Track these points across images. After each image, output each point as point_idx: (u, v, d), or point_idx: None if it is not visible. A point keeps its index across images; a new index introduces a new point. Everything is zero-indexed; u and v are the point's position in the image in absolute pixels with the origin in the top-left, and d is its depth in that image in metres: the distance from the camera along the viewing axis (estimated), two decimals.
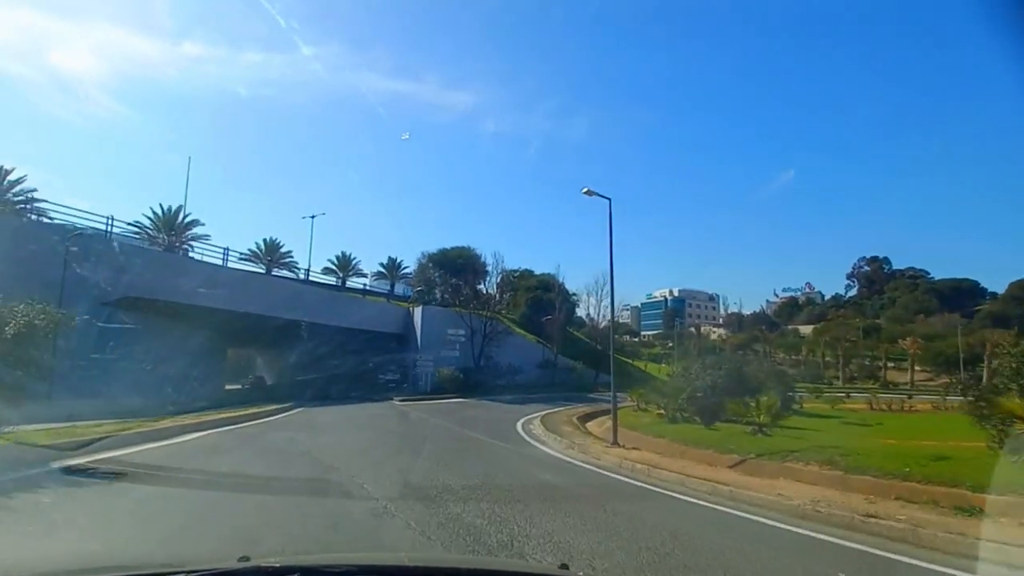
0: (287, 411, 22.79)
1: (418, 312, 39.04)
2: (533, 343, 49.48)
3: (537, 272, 59.32)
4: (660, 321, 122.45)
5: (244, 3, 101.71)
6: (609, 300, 54.59)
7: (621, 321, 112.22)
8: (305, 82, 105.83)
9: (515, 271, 59.97)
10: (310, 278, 45.53)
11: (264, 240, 48.85)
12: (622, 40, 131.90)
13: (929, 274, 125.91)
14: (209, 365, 30.21)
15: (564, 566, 1.87)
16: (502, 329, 43.01)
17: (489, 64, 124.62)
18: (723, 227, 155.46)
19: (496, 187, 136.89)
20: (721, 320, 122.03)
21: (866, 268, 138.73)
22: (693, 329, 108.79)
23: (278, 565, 1.60)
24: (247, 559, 1.63)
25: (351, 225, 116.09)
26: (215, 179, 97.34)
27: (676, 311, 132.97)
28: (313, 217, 50.18)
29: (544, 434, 17.45)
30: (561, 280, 53.81)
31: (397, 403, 28.65)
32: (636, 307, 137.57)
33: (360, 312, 36.86)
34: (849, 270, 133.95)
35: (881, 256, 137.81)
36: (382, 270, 57.35)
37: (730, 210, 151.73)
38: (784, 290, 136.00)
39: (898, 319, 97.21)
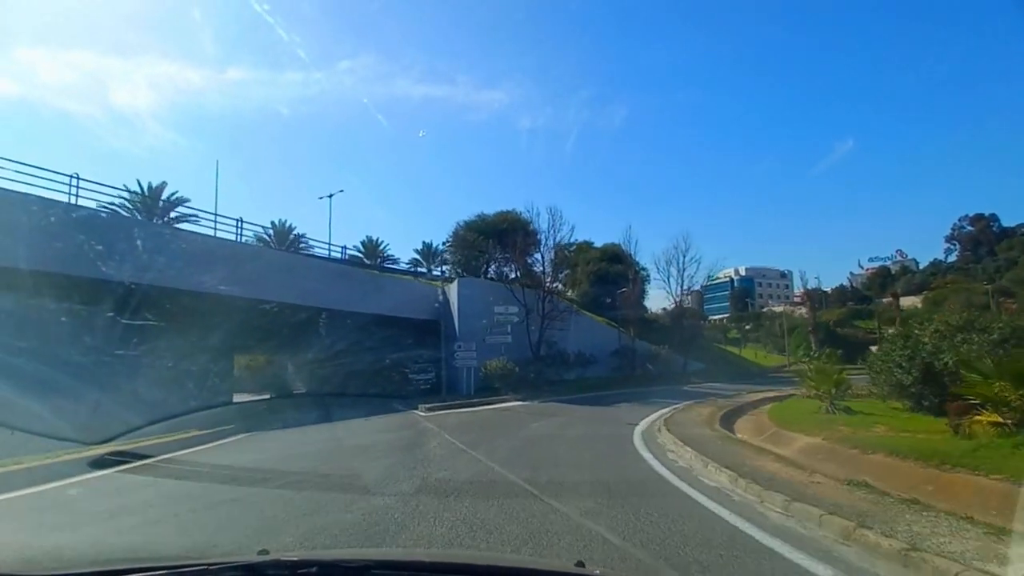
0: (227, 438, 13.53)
1: (453, 289, 29.15)
2: (604, 326, 38.79)
3: (597, 244, 48.53)
4: (727, 304, 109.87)
5: (283, 27, 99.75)
6: (692, 268, 44.58)
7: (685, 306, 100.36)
8: (342, 96, 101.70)
9: (570, 244, 49.48)
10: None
11: (274, 222, 40.56)
12: (655, 21, 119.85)
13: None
14: (210, 369, 21.60)
15: (580, 563, 1.67)
16: (565, 308, 32.60)
17: (520, 60, 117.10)
18: (789, 200, 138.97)
19: (538, 178, 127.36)
20: (798, 298, 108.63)
21: (969, 228, 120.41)
22: (768, 309, 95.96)
23: (296, 559, 1.54)
24: (266, 552, 1.64)
25: (385, 228, 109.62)
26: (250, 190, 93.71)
27: (745, 291, 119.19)
28: (331, 196, 41.62)
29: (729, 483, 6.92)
30: (631, 250, 42.89)
31: (422, 414, 18.73)
32: (698, 290, 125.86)
33: (382, 295, 27.27)
34: (948, 232, 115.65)
35: (987, 213, 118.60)
36: (417, 256, 48.36)
37: (793, 181, 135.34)
38: (871, 260, 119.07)
39: (1020, 281, 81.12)
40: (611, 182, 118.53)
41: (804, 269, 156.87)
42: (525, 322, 28.89)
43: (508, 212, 36.61)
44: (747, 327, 78.65)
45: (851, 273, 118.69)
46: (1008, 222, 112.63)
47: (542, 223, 31.46)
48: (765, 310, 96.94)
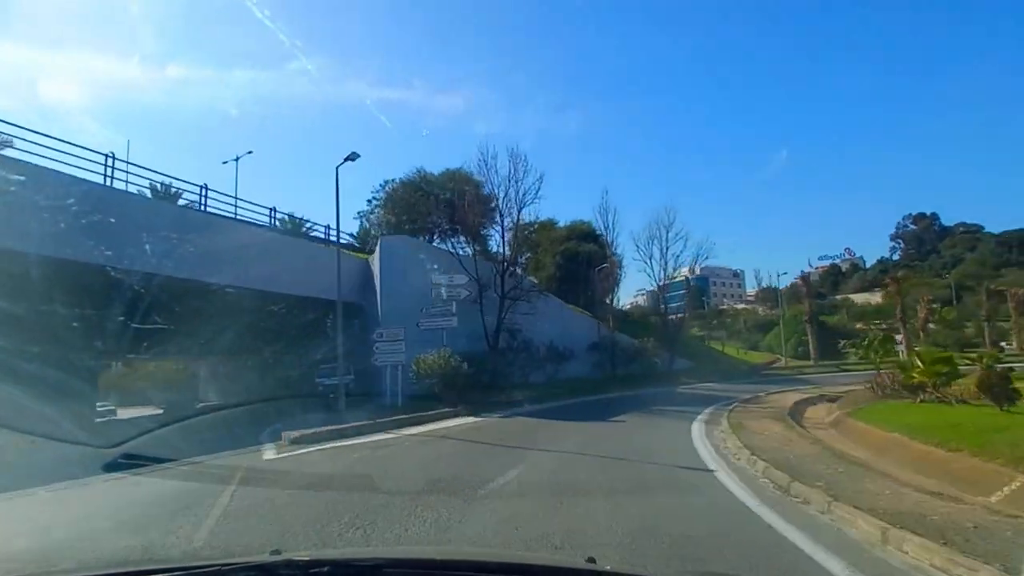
0: None
1: (375, 256, 20.64)
2: (580, 315, 31.17)
3: (563, 223, 40.82)
4: (683, 303, 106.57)
5: (230, 23, 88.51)
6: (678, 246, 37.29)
7: (641, 304, 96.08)
8: (292, 95, 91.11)
9: (531, 224, 41.71)
10: None
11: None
12: (612, 30, 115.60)
13: (984, 228, 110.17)
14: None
15: (591, 560, 1.53)
16: (531, 287, 24.63)
17: (477, 66, 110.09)
18: (739, 202, 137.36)
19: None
20: (752, 296, 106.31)
21: (913, 227, 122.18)
22: (730, 307, 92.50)
23: (308, 559, 1.54)
24: (278, 552, 1.60)
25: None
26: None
27: (701, 289, 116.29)
28: (237, 160, 31.97)
29: None
30: (606, 226, 35.28)
31: (268, 457, 9.23)
32: (654, 291, 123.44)
33: (273, 264, 18.15)
34: (893, 231, 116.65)
35: (929, 212, 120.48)
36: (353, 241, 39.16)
37: (743, 185, 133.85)
38: (821, 258, 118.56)
39: (971, 276, 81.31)
40: (569, 188, 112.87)
41: (759, 269, 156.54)
42: (479, 303, 20.72)
43: (456, 171, 28.29)
44: (713, 323, 74.76)
45: (802, 271, 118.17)
46: (947, 221, 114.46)
47: (500, 170, 22.83)
48: (725, 307, 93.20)
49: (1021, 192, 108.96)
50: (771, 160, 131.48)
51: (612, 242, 34.38)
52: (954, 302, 68.37)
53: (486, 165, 22.13)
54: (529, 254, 38.70)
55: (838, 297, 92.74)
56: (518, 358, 21.28)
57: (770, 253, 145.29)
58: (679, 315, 35.94)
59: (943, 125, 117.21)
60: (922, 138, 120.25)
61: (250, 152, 40.29)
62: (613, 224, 34.11)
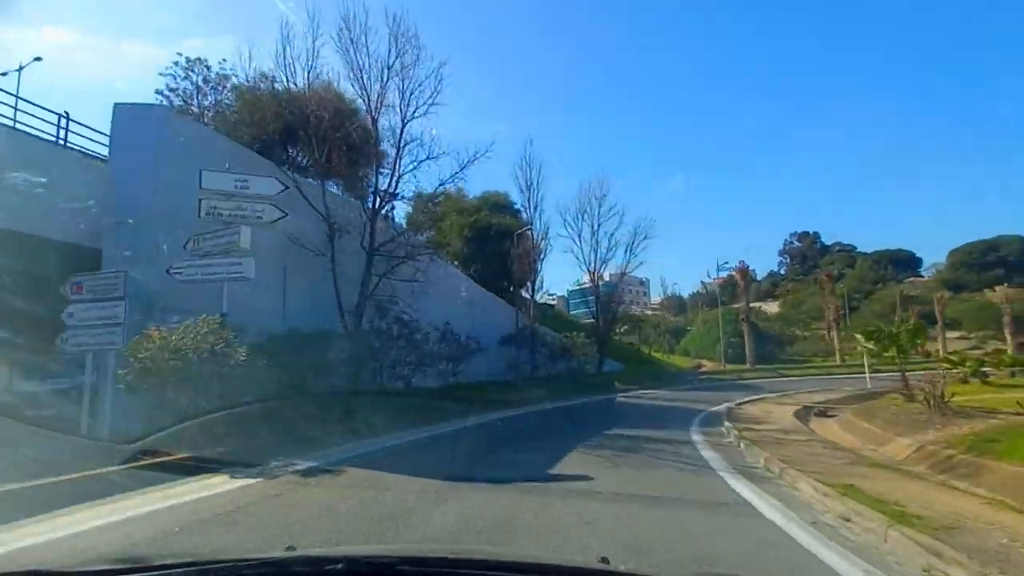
0: None
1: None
2: (489, 297, 23.44)
3: (474, 195, 32.86)
4: (591, 309, 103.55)
5: None
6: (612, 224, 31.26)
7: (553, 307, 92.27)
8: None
9: (436, 195, 33.42)
10: None
11: None
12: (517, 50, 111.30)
13: (856, 248, 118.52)
14: None
15: (604, 560, 1.59)
16: (423, 245, 16.46)
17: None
18: (645, 211, 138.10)
19: None
20: (657, 304, 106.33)
21: (798, 244, 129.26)
22: (643, 312, 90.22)
23: (323, 555, 1.53)
24: (293, 548, 1.61)
25: None
26: None
27: (610, 296, 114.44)
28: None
29: None
30: (527, 196, 27.63)
31: None
32: (563, 296, 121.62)
33: None
34: (780, 247, 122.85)
35: (811, 232, 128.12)
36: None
37: (648, 201, 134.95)
38: (719, 269, 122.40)
39: (854, 289, 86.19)
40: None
41: (664, 277, 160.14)
42: (331, 258, 12.24)
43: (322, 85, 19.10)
44: (622, 329, 71.13)
45: (702, 282, 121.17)
46: (827, 240, 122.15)
47: (374, 50, 14.06)
48: (639, 313, 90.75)
49: (889, 216, 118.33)
50: (670, 183, 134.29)
51: (535, 207, 26.77)
52: (847, 312, 70.41)
53: (351, 41, 13.51)
54: (432, 227, 30.49)
55: (736, 306, 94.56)
56: (393, 348, 12.89)
57: (672, 264, 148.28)
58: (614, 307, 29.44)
59: (822, 153, 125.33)
60: (805, 164, 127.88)
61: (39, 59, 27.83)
62: (538, 183, 26.66)
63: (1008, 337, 37.11)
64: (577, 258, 28.07)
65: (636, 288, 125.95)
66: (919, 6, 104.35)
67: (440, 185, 16.59)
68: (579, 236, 27.96)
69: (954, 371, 18.25)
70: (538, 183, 26.16)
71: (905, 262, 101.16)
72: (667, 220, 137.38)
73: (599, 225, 27.48)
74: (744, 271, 39.43)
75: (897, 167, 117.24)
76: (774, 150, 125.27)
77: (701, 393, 21.76)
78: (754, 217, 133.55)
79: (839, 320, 40.60)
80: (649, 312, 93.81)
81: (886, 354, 14.64)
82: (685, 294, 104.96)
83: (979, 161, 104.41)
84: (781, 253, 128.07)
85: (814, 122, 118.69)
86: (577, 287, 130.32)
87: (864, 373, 30.87)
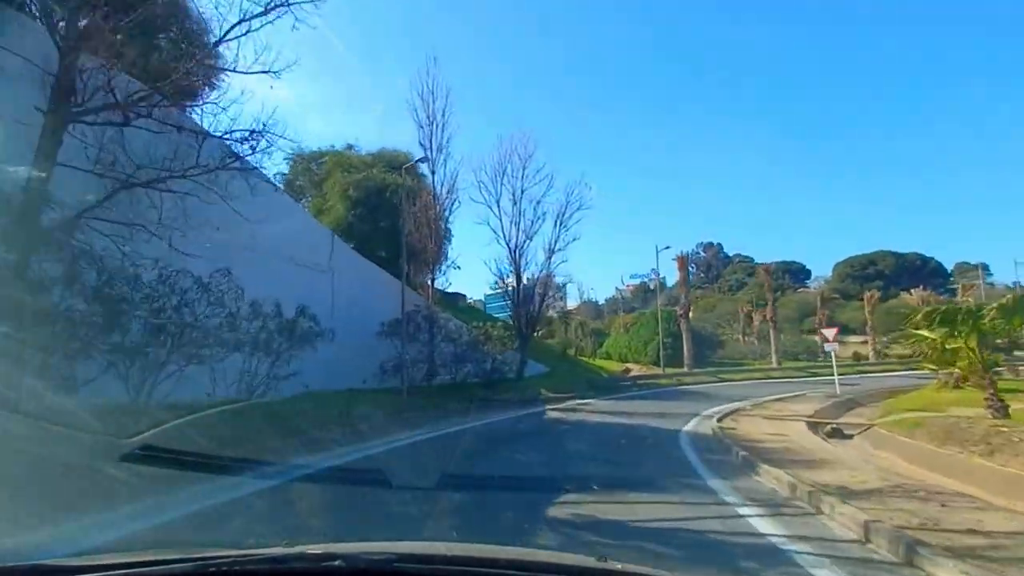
0: None
1: None
2: (369, 269, 16.39)
3: (365, 151, 25.59)
4: (506, 314, 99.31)
5: None
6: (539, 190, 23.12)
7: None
8: None
9: (320, 152, 25.80)
10: None
11: None
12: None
13: (754, 259, 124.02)
14: None
15: (602, 558, 1.52)
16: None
17: None
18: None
19: None
20: (574, 309, 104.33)
21: (703, 254, 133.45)
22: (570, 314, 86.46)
23: (321, 551, 1.49)
24: (291, 544, 1.58)
25: None
26: None
27: (528, 298, 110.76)
28: None
29: None
30: (426, 125, 20.24)
31: None
32: (481, 300, 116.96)
33: None
34: (688, 255, 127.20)
35: (715, 243, 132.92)
36: None
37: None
38: (632, 276, 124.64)
39: (760, 297, 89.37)
40: None
41: (579, 281, 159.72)
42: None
43: None
44: (541, 332, 66.81)
45: (617, 288, 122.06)
46: (729, 251, 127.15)
47: None
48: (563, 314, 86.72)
49: (784, 229, 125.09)
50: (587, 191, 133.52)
51: (439, 150, 18.99)
52: (749, 319, 71.09)
53: None
54: (314, 190, 23.10)
55: (672, 307, 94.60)
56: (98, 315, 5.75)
57: (587, 270, 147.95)
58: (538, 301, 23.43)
59: (724, 167, 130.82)
60: (709, 177, 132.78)
61: None
62: (443, 120, 19.00)
63: None
64: (495, 231, 21.84)
65: (555, 292, 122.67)
66: (803, 26, 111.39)
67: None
68: (497, 204, 21.71)
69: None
70: (444, 120, 19.28)
71: (797, 273, 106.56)
72: (581, 228, 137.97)
73: (523, 191, 21.52)
74: (683, 259, 34.82)
75: (785, 183, 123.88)
76: (679, 163, 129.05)
77: (650, 403, 16.43)
78: (664, 229, 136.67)
79: (774, 322, 38.44)
80: (571, 313, 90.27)
81: (950, 346, 9.84)
82: (601, 299, 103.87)
83: (854, 182, 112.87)
84: (689, 262, 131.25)
85: (716, 139, 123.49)
86: (495, 290, 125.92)
87: (803, 377, 28.76)
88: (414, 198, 17.55)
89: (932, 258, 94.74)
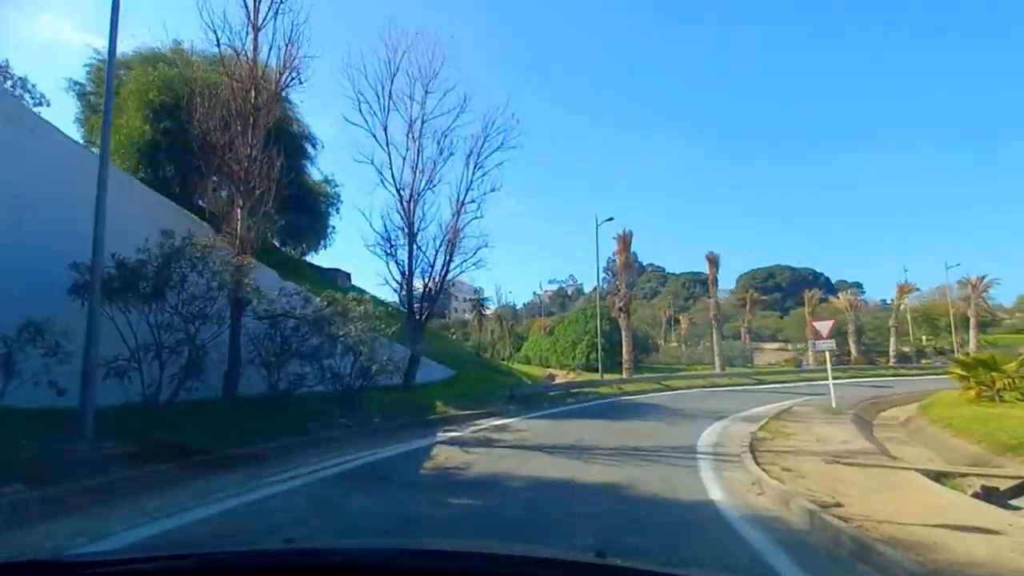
0: None
1: None
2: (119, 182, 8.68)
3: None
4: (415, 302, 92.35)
5: None
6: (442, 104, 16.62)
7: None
8: None
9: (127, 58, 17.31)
10: None
11: None
12: None
13: (664, 269, 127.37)
14: None
15: (600, 554, 1.42)
16: None
17: None
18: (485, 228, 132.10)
19: None
20: (491, 313, 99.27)
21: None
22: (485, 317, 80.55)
23: (320, 548, 1.53)
24: (291, 541, 1.54)
25: None
26: None
27: (443, 302, 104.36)
28: None
29: None
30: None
31: None
32: (395, 302, 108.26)
33: None
34: (604, 264, 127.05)
35: (633, 252, 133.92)
36: None
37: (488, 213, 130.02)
38: (551, 282, 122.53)
39: (671, 304, 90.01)
40: None
41: (498, 284, 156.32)
42: None
43: None
44: (453, 334, 61.23)
45: (535, 293, 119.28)
46: (643, 260, 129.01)
47: None
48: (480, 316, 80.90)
49: (693, 241, 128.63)
50: (504, 204, 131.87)
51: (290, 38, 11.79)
52: (672, 324, 69.68)
53: None
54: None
55: (576, 309, 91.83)
56: None
57: (506, 276, 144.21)
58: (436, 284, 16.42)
59: (639, 181, 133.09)
60: (626, 190, 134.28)
61: None
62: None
63: (851, 345, 34.43)
64: (380, 171, 14.66)
65: (470, 296, 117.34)
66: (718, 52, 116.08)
67: None
68: (384, 130, 14.59)
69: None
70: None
71: (704, 283, 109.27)
72: (500, 240, 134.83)
73: (423, 120, 14.67)
74: (625, 239, 28.73)
75: (694, 199, 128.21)
76: (598, 176, 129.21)
77: (605, 426, 10.42)
78: (580, 239, 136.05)
79: (718, 320, 34.96)
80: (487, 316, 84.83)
81: None
82: (519, 303, 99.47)
83: (753, 199, 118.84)
84: (604, 269, 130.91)
85: (629, 153, 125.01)
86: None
87: (753, 384, 24.38)
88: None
89: (822, 273, 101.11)
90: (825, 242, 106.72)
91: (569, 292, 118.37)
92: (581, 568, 1.38)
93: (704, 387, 22.41)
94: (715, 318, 29.18)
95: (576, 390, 18.61)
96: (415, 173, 14.43)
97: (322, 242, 20.61)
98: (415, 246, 14.45)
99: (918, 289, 38.43)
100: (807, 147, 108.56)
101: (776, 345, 52.49)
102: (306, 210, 19.09)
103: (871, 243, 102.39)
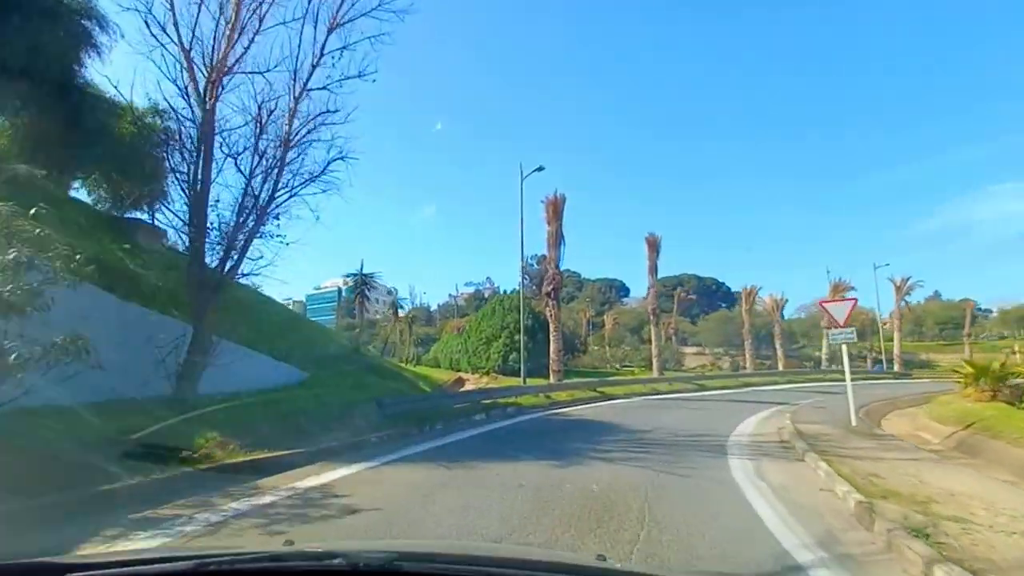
0: None
1: None
2: None
3: None
4: (332, 316, 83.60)
5: None
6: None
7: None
8: None
9: None
10: None
11: None
12: None
13: (580, 274, 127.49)
14: None
15: (601, 557, 1.54)
16: None
17: None
18: (401, 235, 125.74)
19: None
20: (406, 314, 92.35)
21: (537, 266, 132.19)
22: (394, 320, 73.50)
23: (321, 550, 1.42)
24: (291, 543, 1.57)
25: None
26: None
27: (352, 302, 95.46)
28: None
29: None
30: None
31: None
32: (301, 301, 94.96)
33: None
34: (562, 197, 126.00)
35: (544, 255, 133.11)
36: None
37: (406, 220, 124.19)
38: (467, 284, 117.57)
39: (588, 308, 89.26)
40: None
41: (412, 285, 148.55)
42: None
43: None
44: (356, 333, 54.25)
45: (450, 295, 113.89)
46: (561, 266, 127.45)
47: None
48: (380, 319, 74.12)
49: (607, 250, 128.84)
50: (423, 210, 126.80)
51: None
52: (592, 327, 67.07)
53: None
54: None
55: (492, 299, 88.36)
56: None
57: (424, 278, 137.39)
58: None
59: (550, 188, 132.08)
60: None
61: None
62: None
63: (778, 349, 32.30)
64: (154, 18, 7.54)
65: (384, 298, 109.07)
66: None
67: None
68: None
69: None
70: None
71: (619, 289, 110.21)
72: (420, 244, 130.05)
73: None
74: (556, 205, 22.41)
75: (608, 206, 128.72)
76: (510, 187, 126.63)
77: (563, 481, 4.90)
78: (499, 241, 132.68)
79: (655, 314, 31.29)
80: (400, 318, 77.94)
81: None
82: (434, 305, 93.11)
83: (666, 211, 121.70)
84: (523, 273, 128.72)
85: (545, 158, 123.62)
86: (317, 291, 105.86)
87: (697, 390, 20.79)
88: None
89: (724, 283, 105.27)
90: (724, 256, 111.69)
91: (486, 295, 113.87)
92: (581, 571, 1.37)
93: (647, 395, 17.92)
94: (652, 312, 25.12)
95: (489, 401, 13.03)
96: (226, 29, 8.06)
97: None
98: (216, 139, 7.87)
99: (787, 301, 37.48)
100: (700, 173, 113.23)
101: (694, 349, 51.01)
102: (81, 126, 11.84)
103: (760, 257, 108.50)
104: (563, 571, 1.38)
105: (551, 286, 19.97)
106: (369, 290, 74.95)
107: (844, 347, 9.19)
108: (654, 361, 23.85)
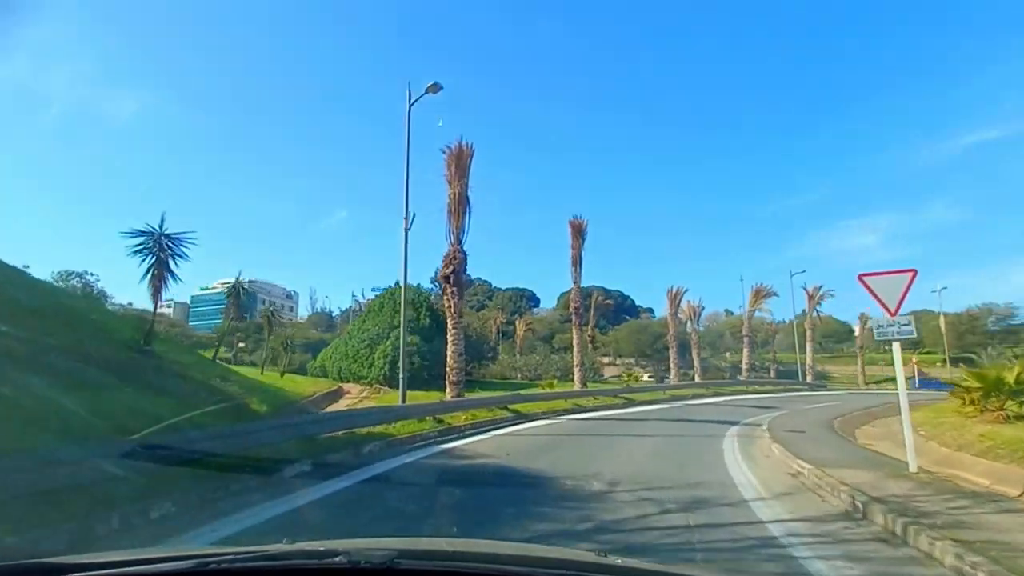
0: None
1: None
2: None
3: None
4: (219, 319, 72.77)
5: None
6: None
7: (167, 314, 59.12)
8: None
9: None
10: None
11: None
12: None
13: (491, 283, 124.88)
14: None
15: (602, 553, 1.49)
16: None
17: None
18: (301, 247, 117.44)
19: None
20: (305, 320, 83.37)
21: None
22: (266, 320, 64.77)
23: (322, 548, 1.43)
24: (293, 541, 1.53)
25: None
26: None
27: (245, 305, 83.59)
28: None
29: None
30: None
31: None
32: (185, 303, 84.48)
33: None
34: (432, 275, 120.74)
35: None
36: None
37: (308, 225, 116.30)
38: (373, 289, 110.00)
39: (498, 317, 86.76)
40: None
41: (314, 287, 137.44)
42: None
43: None
44: (240, 342, 46.99)
45: (354, 296, 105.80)
46: (473, 274, 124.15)
47: None
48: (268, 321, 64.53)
49: (515, 262, 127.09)
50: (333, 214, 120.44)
51: None
52: (501, 336, 63.74)
53: None
54: None
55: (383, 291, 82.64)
56: None
57: (328, 282, 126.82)
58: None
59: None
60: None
61: None
62: None
63: (695, 359, 30.53)
64: None
65: (282, 301, 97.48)
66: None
67: None
68: None
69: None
70: None
71: (530, 298, 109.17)
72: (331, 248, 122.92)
73: None
74: (462, 156, 16.19)
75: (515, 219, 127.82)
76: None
77: None
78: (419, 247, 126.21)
79: (578, 321, 27.77)
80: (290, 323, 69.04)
81: None
82: (336, 311, 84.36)
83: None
84: (432, 280, 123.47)
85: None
86: (203, 292, 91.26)
87: (626, 404, 16.39)
88: None
89: (629, 296, 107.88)
90: (627, 271, 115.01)
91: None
92: (581, 567, 1.38)
93: (571, 412, 14.06)
94: (575, 311, 21.43)
95: (343, 432, 8.17)
96: None
97: None
98: None
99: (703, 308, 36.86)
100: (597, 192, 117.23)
101: (607, 359, 49.40)
102: None
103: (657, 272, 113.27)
104: (562, 567, 1.33)
105: (450, 268, 15.38)
106: (245, 294, 64.65)
107: (897, 347, 5.87)
108: (575, 371, 20.15)
